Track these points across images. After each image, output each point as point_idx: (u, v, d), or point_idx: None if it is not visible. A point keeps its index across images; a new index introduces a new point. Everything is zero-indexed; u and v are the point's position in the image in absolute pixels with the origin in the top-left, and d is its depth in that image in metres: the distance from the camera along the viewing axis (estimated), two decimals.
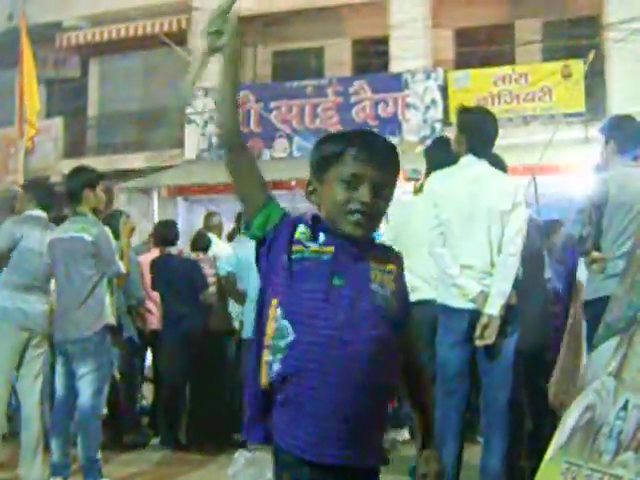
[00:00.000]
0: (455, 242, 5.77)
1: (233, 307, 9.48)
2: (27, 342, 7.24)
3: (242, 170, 3.00)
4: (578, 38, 19.10)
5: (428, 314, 6.30)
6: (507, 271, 5.67)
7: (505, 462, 5.75)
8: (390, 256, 3.08)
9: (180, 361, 9.04)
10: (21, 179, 13.06)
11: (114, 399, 8.60)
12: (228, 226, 11.57)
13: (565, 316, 7.53)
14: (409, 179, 8.52)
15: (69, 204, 7.21)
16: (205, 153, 20.88)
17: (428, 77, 19.34)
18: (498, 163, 6.54)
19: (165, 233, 9.54)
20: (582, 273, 7.09)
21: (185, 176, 20.01)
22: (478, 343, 5.64)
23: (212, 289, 9.35)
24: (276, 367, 2.86)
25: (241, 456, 6.84)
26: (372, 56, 21.34)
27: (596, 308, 5.98)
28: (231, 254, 9.46)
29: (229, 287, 9.26)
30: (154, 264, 9.28)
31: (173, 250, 9.38)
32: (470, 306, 5.67)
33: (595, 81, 18.34)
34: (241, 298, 9.06)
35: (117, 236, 7.44)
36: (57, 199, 7.90)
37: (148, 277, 9.38)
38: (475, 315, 5.63)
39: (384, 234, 7.09)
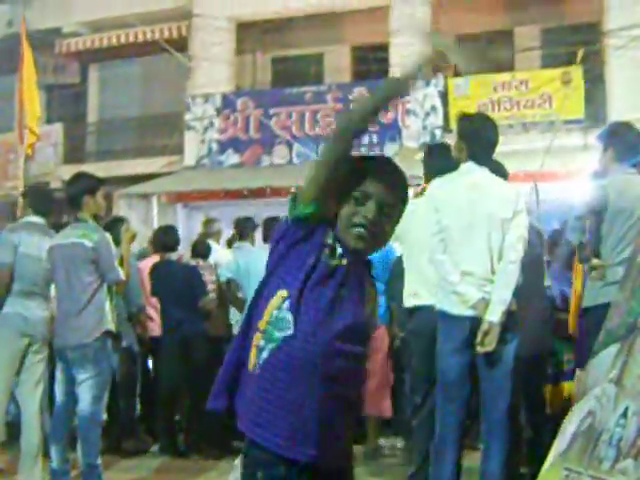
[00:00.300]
0: (455, 249, 5.77)
1: (234, 314, 9.49)
2: (27, 348, 7.24)
3: (339, 163, 3.02)
4: (578, 45, 19.12)
5: (429, 319, 6.30)
6: (508, 278, 5.67)
7: (505, 468, 5.75)
8: (374, 283, 3.27)
9: (179, 367, 9.04)
10: (21, 185, 13.03)
11: (114, 405, 8.60)
12: (227, 232, 11.57)
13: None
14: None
15: (69, 210, 7.21)
16: (205, 159, 20.88)
17: (428, 83, 19.34)
18: (499, 170, 6.55)
19: (165, 239, 9.53)
20: None
21: (185, 182, 20.01)
22: (479, 350, 5.64)
23: (212, 295, 9.35)
24: (264, 355, 2.95)
25: (240, 463, 6.83)
26: (372, 62, 21.35)
27: (595, 315, 5.98)
28: (231, 261, 9.47)
29: (230, 294, 9.28)
30: (154, 270, 9.28)
31: (173, 256, 9.38)
32: (470, 313, 5.67)
33: (595, 88, 18.35)
34: (241, 305, 9.07)
35: (118, 242, 7.44)
36: (56, 205, 7.90)
37: (148, 283, 9.37)
38: (475, 322, 5.64)
39: None
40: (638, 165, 6.52)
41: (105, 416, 7.49)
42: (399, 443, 8.76)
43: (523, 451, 7.07)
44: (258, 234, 10.09)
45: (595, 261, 6.33)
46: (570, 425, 4.79)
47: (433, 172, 6.75)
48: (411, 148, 17.91)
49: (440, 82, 19.23)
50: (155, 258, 9.67)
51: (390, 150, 19.13)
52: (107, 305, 7.03)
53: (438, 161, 6.80)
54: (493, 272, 5.72)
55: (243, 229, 10.27)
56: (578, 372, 7.11)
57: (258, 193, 18.28)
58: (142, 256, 10.36)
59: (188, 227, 18.70)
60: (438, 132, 18.96)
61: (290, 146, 20.01)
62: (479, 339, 5.60)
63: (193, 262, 9.58)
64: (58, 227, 7.66)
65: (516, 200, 5.82)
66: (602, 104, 18.31)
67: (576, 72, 18.24)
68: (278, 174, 18.67)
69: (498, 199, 5.79)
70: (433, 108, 19.14)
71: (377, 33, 20.39)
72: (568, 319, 7.68)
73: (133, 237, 7.88)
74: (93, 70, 24.55)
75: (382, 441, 8.89)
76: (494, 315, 5.59)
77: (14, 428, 8.12)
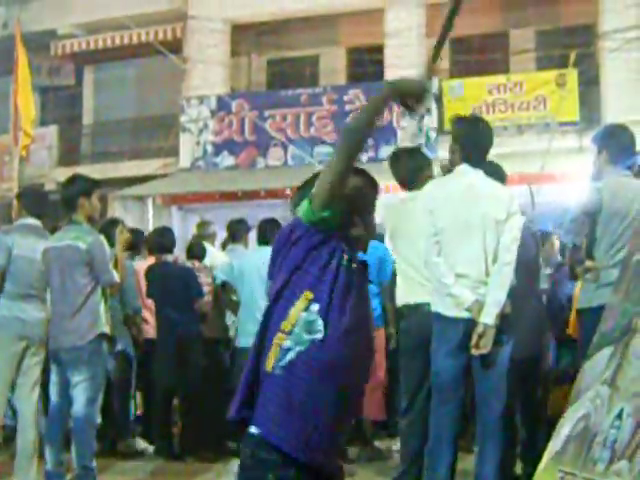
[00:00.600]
0: (450, 251, 5.78)
1: (229, 316, 9.49)
2: (25, 351, 7.22)
3: (351, 167, 3.17)
4: (572, 47, 19.14)
5: (416, 320, 6.32)
6: (502, 280, 5.68)
7: (499, 470, 5.76)
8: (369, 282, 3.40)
9: (174, 369, 9.03)
10: (15, 187, 13.04)
11: (108, 408, 8.60)
12: (222, 234, 11.56)
13: None
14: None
15: (64, 212, 7.20)
16: (200, 161, 20.88)
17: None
18: (497, 172, 6.58)
19: (161, 240, 9.51)
20: None
21: (180, 184, 20.02)
22: (474, 352, 5.65)
23: (208, 297, 9.34)
24: (290, 356, 2.96)
25: (235, 465, 6.83)
26: (367, 64, 21.36)
27: (589, 317, 5.99)
28: (226, 263, 9.46)
29: (224, 296, 9.27)
30: (149, 271, 9.26)
31: (169, 258, 9.36)
32: (465, 315, 5.68)
33: (589, 90, 18.37)
34: (235, 307, 9.07)
35: (112, 244, 7.44)
36: (51, 207, 7.89)
37: (144, 285, 9.36)
38: (470, 324, 5.64)
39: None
40: (632, 167, 6.53)
41: (100, 418, 7.49)
42: (394, 445, 8.76)
43: (518, 453, 7.07)
44: (253, 236, 10.10)
45: (589, 263, 6.34)
46: (564, 427, 4.80)
47: (399, 177, 6.80)
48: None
49: (435, 84, 19.24)
50: (151, 260, 9.66)
51: (385, 152, 19.13)
52: (102, 307, 7.03)
53: (403, 166, 6.82)
54: (487, 274, 5.73)
55: (236, 231, 10.27)
56: None
57: (253, 195, 18.29)
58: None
59: (183, 229, 18.69)
60: (433, 134, 18.97)
61: (285, 148, 20.02)
62: (474, 341, 5.60)
63: (189, 264, 9.57)
64: (53, 230, 7.66)
65: (510, 202, 5.83)
66: (597, 106, 18.33)
67: (571, 74, 18.26)
68: (273, 176, 18.68)
69: (492, 201, 5.80)
70: (428, 110, 19.15)
71: (372, 35, 20.41)
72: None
73: (127, 239, 7.87)
74: (88, 72, 24.52)
75: (378, 443, 8.89)
76: (488, 317, 5.59)
77: (9, 430, 8.12)
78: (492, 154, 6.26)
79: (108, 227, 8.36)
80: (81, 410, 6.82)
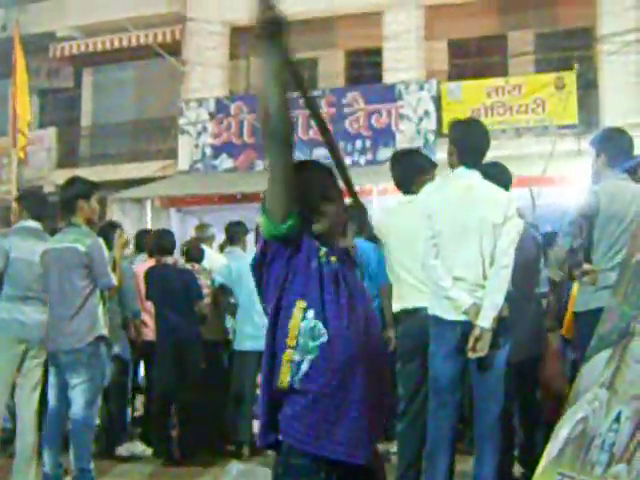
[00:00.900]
0: (448, 254, 5.78)
1: (229, 318, 9.49)
2: (25, 354, 7.22)
3: (290, 169, 3.12)
4: (571, 50, 19.16)
5: (413, 324, 6.32)
6: (499, 283, 5.68)
7: (497, 472, 5.76)
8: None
9: (173, 371, 9.02)
10: (14, 189, 13.05)
11: (106, 410, 8.59)
12: (220, 237, 11.56)
13: None
14: None
15: (63, 215, 7.19)
16: (198, 164, 20.89)
17: (421, 88, 19.37)
18: (504, 173, 6.61)
19: (161, 243, 9.49)
20: None
21: (178, 187, 20.01)
22: (470, 355, 5.65)
23: (207, 300, 9.34)
24: (304, 367, 2.94)
25: (233, 467, 6.84)
26: (366, 67, 21.36)
27: (587, 320, 5.99)
28: (224, 265, 9.46)
29: (222, 299, 9.27)
30: (149, 273, 9.25)
31: (169, 260, 9.34)
32: (462, 318, 5.68)
33: (588, 93, 18.38)
34: (233, 310, 9.07)
35: (110, 247, 7.44)
36: (50, 209, 7.88)
37: (143, 287, 9.35)
38: (467, 327, 5.64)
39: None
40: (631, 170, 6.53)
41: (97, 421, 7.48)
42: (392, 448, 8.75)
43: (516, 455, 7.08)
44: (251, 238, 10.10)
45: (587, 266, 6.34)
46: (563, 430, 4.80)
47: (396, 180, 6.79)
48: None
49: (433, 87, 19.26)
50: (150, 262, 9.66)
51: (384, 155, 19.14)
52: (100, 310, 7.02)
53: (400, 168, 6.81)
54: (485, 277, 5.73)
55: (234, 234, 10.25)
56: None
57: (252, 197, 18.28)
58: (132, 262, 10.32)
59: (182, 231, 18.68)
60: (431, 136, 18.98)
61: None
62: (471, 344, 5.60)
63: (188, 266, 9.56)
64: (52, 232, 7.66)
65: (507, 205, 5.83)
66: (595, 109, 18.34)
67: (569, 77, 18.28)
68: None
69: (489, 204, 5.80)
70: (426, 113, 19.17)
71: (371, 38, 20.42)
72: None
73: (126, 243, 7.87)
74: (87, 74, 24.52)
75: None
76: (486, 320, 5.59)
77: (7, 433, 8.12)
78: (490, 157, 6.26)
79: (107, 230, 8.36)
80: (79, 412, 6.82)
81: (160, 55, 21.17)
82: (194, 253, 9.82)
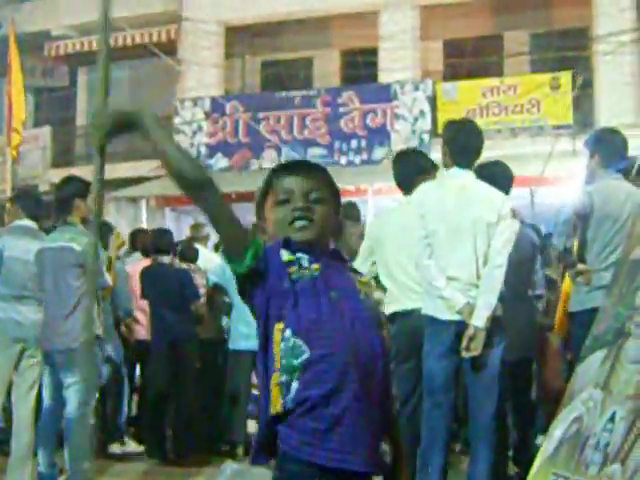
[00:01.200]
0: (441, 254, 5.78)
1: (225, 318, 9.49)
2: (21, 353, 7.21)
3: (222, 211, 3.13)
4: (566, 50, 19.17)
5: (407, 325, 6.32)
6: (493, 283, 5.69)
7: (492, 471, 5.76)
8: (355, 271, 3.29)
9: (168, 371, 9.02)
10: (9, 189, 13.02)
11: (101, 410, 8.58)
12: (215, 236, 11.56)
13: None
14: None
15: (59, 214, 7.19)
16: None
17: (417, 88, 19.38)
18: (505, 171, 6.66)
19: (157, 242, 9.48)
20: None
21: (173, 186, 19.95)
22: (464, 355, 5.66)
23: (203, 299, 9.35)
24: (295, 386, 2.92)
25: (227, 467, 6.83)
26: (361, 67, 21.36)
27: (581, 320, 6.01)
28: (218, 265, 9.47)
29: (217, 298, 9.27)
30: (145, 273, 9.24)
31: (165, 259, 9.32)
32: (456, 318, 5.69)
33: (583, 93, 18.39)
34: (227, 309, 9.07)
35: (105, 247, 7.44)
36: (46, 208, 7.88)
37: (137, 287, 9.34)
38: (461, 327, 5.65)
39: (361, 249, 7.02)
40: (624, 170, 6.55)
41: (92, 420, 7.48)
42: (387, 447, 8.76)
43: (510, 455, 7.08)
44: None
45: (581, 266, 6.36)
46: (557, 430, 4.81)
47: (396, 180, 6.79)
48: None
49: (429, 87, 19.26)
50: (145, 262, 9.66)
51: (379, 154, 19.16)
52: (95, 310, 7.01)
53: (400, 168, 6.81)
54: (479, 277, 5.74)
55: None
56: None
57: (247, 197, 18.24)
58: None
59: (177, 231, 18.67)
60: (426, 137, 18.98)
61: (279, 150, 20.01)
62: (464, 344, 5.61)
63: (184, 266, 9.56)
64: (46, 231, 7.66)
65: (501, 205, 5.84)
66: (590, 110, 18.36)
67: (565, 78, 18.30)
68: None
69: (483, 204, 5.82)
70: (422, 113, 19.17)
71: (366, 38, 20.42)
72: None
73: (122, 244, 7.87)
74: (82, 73, 24.51)
75: None
76: (479, 320, 5.60)
77: (2, 432, 8.12)
78: (486, 157, 6.27)
79: (101, 230, 8.36)
80: (74, 412, 6.82)
81: (155, 54, 21.16)
82: (188, 253, 9.82)
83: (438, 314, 5.79)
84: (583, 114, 18.22)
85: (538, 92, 18.47)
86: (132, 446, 9.32)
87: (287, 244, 3.05)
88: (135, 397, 10.22)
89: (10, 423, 7.55)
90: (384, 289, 6.74)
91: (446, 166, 6.07)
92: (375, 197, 16.40)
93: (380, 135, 19.41)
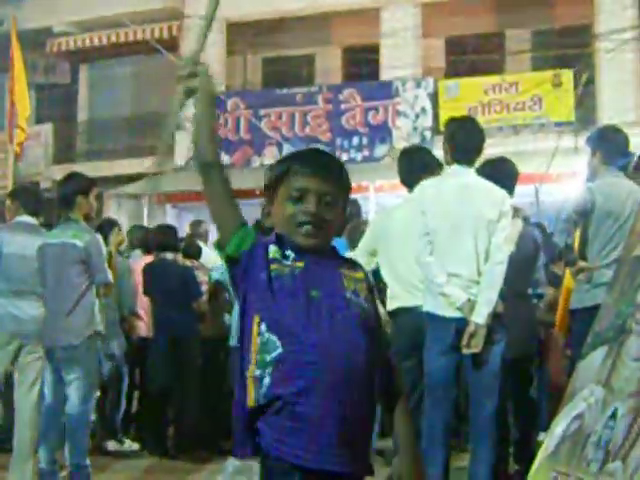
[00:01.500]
0: (442, 250, 5.78)
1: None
2: (19, 349, 7.20)
3: (221, 193, 3.12)
4: (568, 48, 19.16)
5: (409, 322, 6.32)
6: (494, 280, 5.69)
7: (493, 469, 5.77)
8: (356, 265, 3.21)
9: (169, 368, 9.02)
10: (10, 185, 13.00)
11: (100, 407, 8.59)
12: (215, 234, 11.56)
13: None
14: None
15: (61, 210, 7.18)
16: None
17: (418, 85, 19.39)
18: (512, 167, 6.66)
19: (161, 239, 9.46)
20: None
21: (174, 183, 20.01)
22: (465, 351, 5.66)
23: (205, 297, 9.35)
24: (266, 381, 2.91)
25: (230, 464, 6.83)
26: (363, 64, 21.36)
27: (582, 317, 6.02)
28: (219, 262, 9.47)
29: (220, 295, 9.27)
30: (147, 269, 9.24)
31: (168, 256, 9.30)
32: (457, 314, 5.68)
33: (585, 91, 18.38)
34: (228, 306, 9.08)
35: (107, 244, 7.44)
36: (47, 205, 7.88)
37: (140, 283, 9.32)
38: (462, 323, 5.65)
39: (362, 242, 7.02)
40: (628, 167, 6.55)
41: (93, 417, 7.49)
42: (385, 445, 8.75)
43: (511, 451, 7.09)
44: None
45: (582, 264, 6.36)
46: (558, 427, 4.80)
47: (400, 177, 6.79)
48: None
49: (430, 84, 19.26)
50: (146, 258, 9.66)
51: (380, 151, 19.16)
52: (97, 306, 7.02)
53: (404, 165, 6.80)
54: (479, 273, 5.73)
55: None
56: None
57: (248, 194, 18.25)
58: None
59: (178, 227, 18.70)
60: (428, 134, 18.98)
61: (280, 147, 20.01)
62: (465, 341, 5.61)
63: (187, 262, 9.56)
64: (48, 227, 7.66)
65: (502, 201, 5.84)
66: (592, 107, 18.35)
67: (566, 75, 18.29)
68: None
69: (484, 201, 5.81)
70: (423, 110, 19.18)
71: (368, 35, 20.42)
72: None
73: (122, 241, 7.88)
74: (83, 70, 24.50)
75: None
76: (480, 316, 5.60)
77: (3, 429, 8.12)
78: (487, 154, 6.28)
79: (105, 227, 8.39)
80: (75, 408, 6.81)
81: (157, 51, 21.15)
82: (191, 250, 9.83)
83: (439, 311, 5.78)
84: (585, 111, 18.21)
85: (540, 89, 18.48)
86: (126, 443, 9.32)
87: (280, 241, 3.04)
88: (135, 394, 10.22)
89: (12, 420, 7.54)
90: (384, 285, 6.75)
91: (447, 163, 6.08)
92: (376, 194, 16.41)
93: (382, 132, 19.42)
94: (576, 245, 6.52)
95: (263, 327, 2.93)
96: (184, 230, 11.68)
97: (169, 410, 9.42)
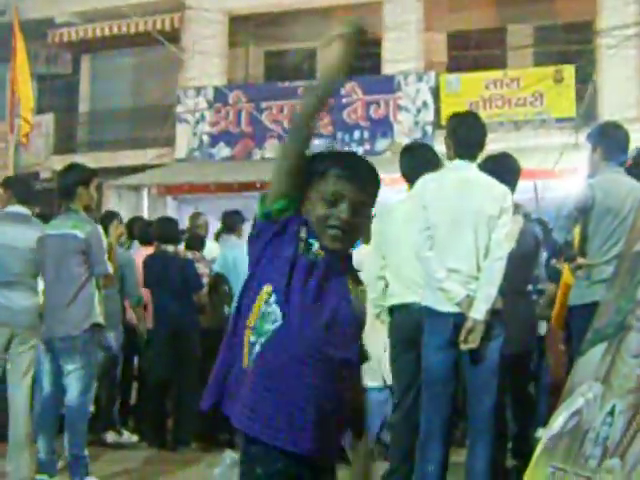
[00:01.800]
0: (442, 246, 5.77)
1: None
2: (10, 339, 7.14)
3: (298, 159, 3.11)
4: (570, 43, 19.15)
5: (408, 318, 6.30)
6: (493, 276, 5.68)
7: (491, 464, 5.77)
8: (360, 279, 3.31)
9: (169, 360, 9.03)
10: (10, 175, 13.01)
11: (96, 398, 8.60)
12: (215, 225, 11.57)
13: None
14: None
15: (62, 201, 7.17)
16: (196, 152, 20.88)
17: (420, 79, 19.37)
18: (515, 162, 6.69)
19: (162, 231, 9.46)
20: None
21: (175, 175, 20.01)
22: (462, 347, 5.66)
23: (206, 289, 9.36)
24: (257, 349, 3.00)
25: (227, 456, 6.83)
26: (364, 58, 21.32)
27: (581, 314, 6.02)
28: (219, 254, 9.48)
29: (220, 287, 9.28)
30: (148, 261, 9.24)
31: (169, 248, 9.30)
32: (456, 310, 5.68)
33: (587, 87, 18.37)
34: (227, 299, 9.08)
35: (106, 235, 7.43)
36: (45, 195, 7.87)
37: (141, 275, 9.32)
38: (461, 319, 5.64)
39: (372, 244, 6.99)
40: (630, 163, 6.55)
41: (92, 408, 7.49)
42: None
43: (509, 446, 7.09)
44: (247, 227, 10.11)
45: (581, 260, 6.36)
46: (557, 422, 4.81)
47: (402, 172, 6.76)
48: (403, 144, 17.91)
49: (432, 78, 19.25)
50: (145, 250, 9.66)
51: (382, 145, 19.15)
52: (96, 298, 7.02)
53: (406, 162, 6.78)
54: (479, 269, 5.73)
55: (230, 222, 10.29)
56: None
57: (249, 186, 18.26)
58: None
59: (178, 219, 18.70)
60: (429, 128, 18.97)
61: (281, 140, 19.97)
62: (463, 336, 5.61)
63: (189, 254, 9.57)
64: (47, 217, 7.65)
65: (503, 197, 5.83)
66: (593, 103, 18.33)
67: (568, 71, 18.28)
68: (269, 168, 18.58)
69: (485, 196, 5.80)
70: (425, 104, 19.16)
71: (370, 28, 20.28)
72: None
73: (121, 234, 7.87)
74: (85, 60, 24.47)
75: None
76: (478, 312, 5.60)
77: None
78: (489, 150, 6.28)
79: (106, 219, 8.39)
80: (74, 399, 6.83)
81: (159, 42, 21.14)
82: (194, 241, 9.86)
83: (438, 306, 5.78)
84: (586, 107, 18.19)
85: (541, 85, 18.46)
86: (124, 434, 9.33)
87: (308, 226, 3.10)
88: (135, 386, 10.23)
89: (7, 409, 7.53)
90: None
91: (450, 159, 6.07)
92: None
93: (383, 126, 19.40)
94: (576, 241, 6.53)
95: (273, 298, 3.01)
96: (184, 222, 11.67)
97: (168, 402, 9.43)
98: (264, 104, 20.28)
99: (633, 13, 18.31)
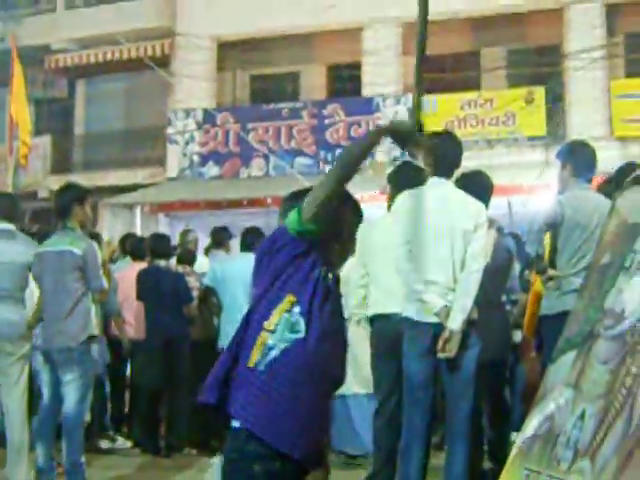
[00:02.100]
0: (421, 259, 5.79)
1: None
2: None
3: (340, 188, 3.26)
4: (540, 66, 19.25)
5: (389, 328, 6.30)
6: (469, 287, 5.70)
7: (468, 467, 5.77)
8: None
9: (161, 370, 9.02)
10: None
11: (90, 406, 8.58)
12: (205, 241, 11.58)
13: None
14: None
15: (59, 219, 7.16)
16: (186, 171, 20.89)
17: (398, 101, 19.43)
18: (488, 179, 6.69)
19: (154, 246, 9.47)
20: None
21: (167, 193, 20.00)
22: (440, 356, 5.67)
23: (196, 302, 9.36)
24: (274, 353, 3.05)
25: (218, 461, 6.82)
26: (346, 81, 21.38)
27: (552, 323, 6.03)
28: (209, 269, 9.49)
29: (210, 300, 9.28)
30: (142, 275, 9.26)
31: (161, 263, 9.32)
32: (434, 320, 5.69)
33: (556, 107, 18.47)
34: (217, 310, 9.09)
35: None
36: (44, 213, 7.85)
37: (133, 289, 9.31)
38: (439, 329, 5.66)
39: (356, 256, 6.99)
40: (619, 179, 6.57)
41: (88, 416, 7.46)
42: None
43: (485, 450, 7.10)
44: (235, 243, 10.12)
45: (551, 272, 6.38)
46: (530, 427, 4.82)
47: (393, 190, 6.75)
48: (383, 162, 17.95)
49: (410, 100, 19.27)
50: (137, 265, 9.66)
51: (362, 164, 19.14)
52: (92, 311, 7.01)
53: (405, 180, 6.78)
54: (456, 281, 5.75)
55: (219, 238, 10.32)
56: None
57: (236, 204, 18.28)
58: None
59: (170, 235, 18.67)
60: None
61: (267, 159, 20.06)
62: (440, 345, 5.62)
63: (180, 268, 9.60)
64: (45, 235, 7.62)
65: (478, 213, 5.86)
66: (562, 122, 18.43)
67: (539, 92, 18.37)
68: (255, 186, 18.69)
69: (461, 212, 5.83)
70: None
71: (351, 53, 20.44)
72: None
73: (112, 252, 7.85)
74: (80, 85, 24.48)
75: None
76: (455, 322, 5.62)
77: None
78: (463, 167, 6.29)
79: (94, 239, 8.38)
80: (72, 408, 6.81)
81: (150, 67, 21.14)
82: (185, 256, 9.89)
83: (417, 316, 5.79)
84: (556, 126, 18.28)
85: (513, 105, 18.54)
86: (120, 441, 9.30)
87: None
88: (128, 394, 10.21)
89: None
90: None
91: (427, 175, 6.09)
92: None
93: None
94: (547, 254, 6.55)
95: (297, 309, 3.09)
96: (176, 238, 11.67)
97: (161, 409, 9.42)
98: (250, 125, 20.32)
99: (599, 37, 18.44)
